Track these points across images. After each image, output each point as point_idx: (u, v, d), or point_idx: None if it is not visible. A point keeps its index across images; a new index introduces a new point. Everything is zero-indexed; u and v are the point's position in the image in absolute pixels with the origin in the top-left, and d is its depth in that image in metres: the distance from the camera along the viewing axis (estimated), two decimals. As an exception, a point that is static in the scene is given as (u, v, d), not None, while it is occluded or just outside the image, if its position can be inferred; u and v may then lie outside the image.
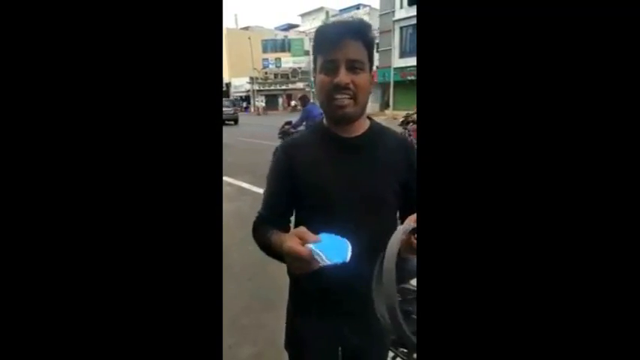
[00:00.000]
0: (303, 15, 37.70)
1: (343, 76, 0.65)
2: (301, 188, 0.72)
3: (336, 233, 0.67)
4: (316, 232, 0.56)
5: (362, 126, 0.74)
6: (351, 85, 0.65)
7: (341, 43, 0.65)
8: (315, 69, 0.71)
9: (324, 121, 0.76)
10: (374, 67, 0.75)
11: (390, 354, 1.18)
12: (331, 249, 0.54)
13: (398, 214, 0.78)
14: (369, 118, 0.78)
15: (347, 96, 0.66)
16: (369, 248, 0.63)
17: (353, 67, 0.65)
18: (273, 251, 0.66)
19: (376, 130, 0.77)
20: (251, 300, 2.01)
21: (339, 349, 0.83)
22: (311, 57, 0.73)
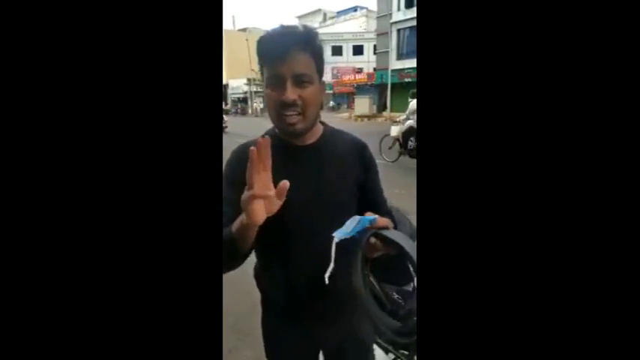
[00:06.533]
0: (300, 17, 37.80)
1: (290, 93, 0.61)
2: None
3: (299, 243, 0.69)
4: (276, 241, 0.56)
5: (315, 133, 0.73)
6: (299, 101, 0.62)
7: (286, 56, 0.60)
8: (263, 79, 0.67)
9: (276, 129, 0.73)
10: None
11: (391, 355, 1.18)
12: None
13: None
14: (321, 122, 0.76)
15: (295, 112, 0.63)
16: (331, 253, 0.63)
17: (300, 81, 0.62)
18: (234, 236, 0.58)
19: (329, 134, 0.75)
20: (251, 303, 2.00)
21: (320, 352, 0.82)
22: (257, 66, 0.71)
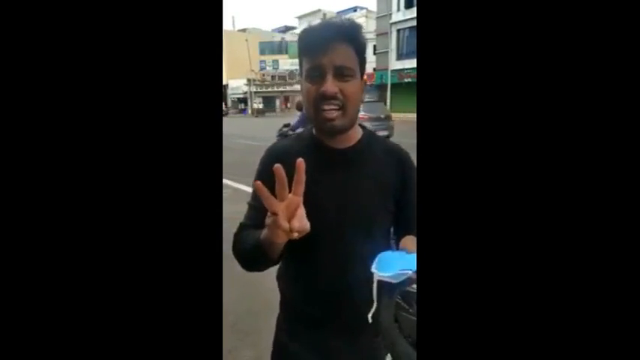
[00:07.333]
0: (300, 17, 37.83)
1: (330, 85, 0.58)
2: None
3: (326, 252, 0.65)
4: (303, 245, 0.52)
5: (353, 136, 0.68)
6: (339, 95, 0.59)
7: (328, 47, 0.58)
8: (301, 74, 0.64)
9: (314, 129, 0.70)
10: (366, 73, 0.71)
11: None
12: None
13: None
14: (361, 126, 0.72)
15: (335, 107, 0.60)
16: (361, 268, 0.60)
17: (341, 74, 0.59)
18: (261, 243, 0.56)
19: (368, 140, 0.71)
20: (251, 304, 2.00)
21: None
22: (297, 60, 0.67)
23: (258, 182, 0.45)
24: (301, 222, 0.48)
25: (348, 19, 0.64)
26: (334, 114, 0.60)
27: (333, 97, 0.59)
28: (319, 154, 0.67)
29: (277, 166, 0.45)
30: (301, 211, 0.49)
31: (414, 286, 0.50)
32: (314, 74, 0.60)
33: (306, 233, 0.50)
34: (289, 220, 0.47)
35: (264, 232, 0.52)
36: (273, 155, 0.70)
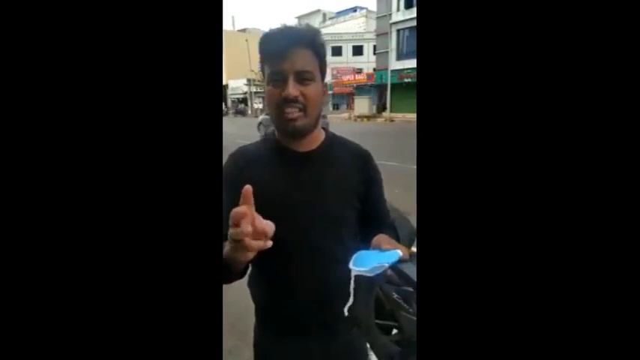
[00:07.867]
0: (299, 17, 37.82)
1: (291, 89, 0.61)
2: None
3: (297, 254, 0.66)
4: (272, 252, 0.51)
5: (316, 139, 0.71)
6: (301, 98, 0.62)
7: (288, 53, 0.61)
8: (264, 78, 0.66)
9: (276, 133, 0.72)
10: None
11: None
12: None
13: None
14: (323, 129, 0.74)
15: (296, 109, 0.63)
16: (331, 268, 0.62)
17: (302, 78, 0.62)
18: (225, 259, 0.53)
19: (331, 142, 0.73)
20: (250, 303, 2.00)
21: None
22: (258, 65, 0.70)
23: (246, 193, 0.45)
24: (267, 229, 0.47)
25: (307, 25, 0.67)
26: (296, 114, 0.63)
27: (295, 100, 0.62)
28: (283, 158, 0.69)
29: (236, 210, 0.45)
30: (259, 222, 0.47)
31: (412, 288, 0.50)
32: (276, 79, 0.63)
33: (276, 237, 0.49)
34: (254, 237, 0.46)
35: (228, 252, 0.52)
36: (236, 161, 0.71)
